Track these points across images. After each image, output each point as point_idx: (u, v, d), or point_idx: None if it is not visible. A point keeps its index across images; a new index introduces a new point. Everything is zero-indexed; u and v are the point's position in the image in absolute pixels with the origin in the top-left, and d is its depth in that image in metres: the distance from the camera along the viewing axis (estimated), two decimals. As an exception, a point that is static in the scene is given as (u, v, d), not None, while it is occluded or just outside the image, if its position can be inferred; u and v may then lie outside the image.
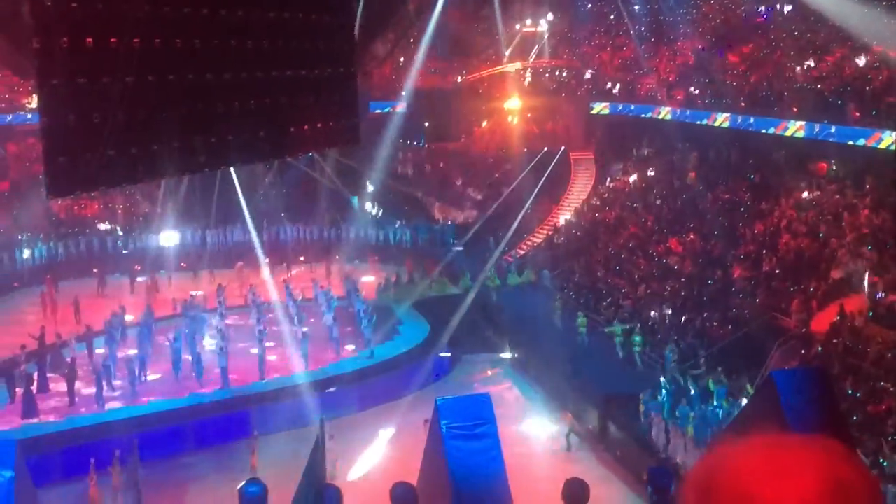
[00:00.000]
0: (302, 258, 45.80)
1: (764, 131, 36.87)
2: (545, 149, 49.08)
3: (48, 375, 29.90)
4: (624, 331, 31.76)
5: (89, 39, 13.75)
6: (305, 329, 32.34)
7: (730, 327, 29.50)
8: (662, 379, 26.58)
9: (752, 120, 37.85)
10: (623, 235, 40.63)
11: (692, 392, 25.30)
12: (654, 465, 18.46)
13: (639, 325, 31.62)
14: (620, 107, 47.26)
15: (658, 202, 41.89)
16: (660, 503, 6.60)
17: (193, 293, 37.96)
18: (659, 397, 25.68)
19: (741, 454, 1.57)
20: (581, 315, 33.34)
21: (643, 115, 45.40)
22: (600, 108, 48.11)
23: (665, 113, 43.71)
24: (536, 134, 50.27)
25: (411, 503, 6.21)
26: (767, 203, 35.29)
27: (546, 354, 32.01)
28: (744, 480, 1.52)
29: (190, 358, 30.57)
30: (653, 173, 44.55)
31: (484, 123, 53.23)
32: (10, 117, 48.65)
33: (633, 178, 45.61)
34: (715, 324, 30.22)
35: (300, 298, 37.79)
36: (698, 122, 41.07)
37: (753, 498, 1.49)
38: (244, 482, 6.01)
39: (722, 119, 39.42)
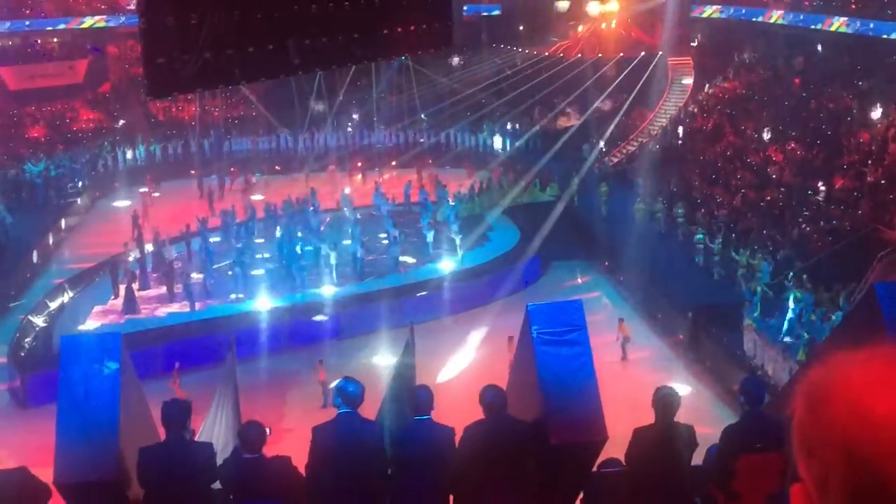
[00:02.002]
0: (394, 163, 45.89)
1: (885, 36, 34.89)
2: (642, 54, 47.93)
3: (150, 273, 31.00)
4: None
5: (186, -61, 13.73)
6: (397, 233, 32.58)
7: (829, 239, 28.73)
8: (757, 290, 26.15)
9: (871, 25, 35.86)
10: (721, 144, 39.63)
11: (787, 304, 24.86)
12: (746, 375, 18.29)
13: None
14: (732, 10, 45.35)
15: (759, 110, 40.61)
16: (752, 414, 6.54)
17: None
18: (752, 309, 25.32)
19: (857, 365, 1.51)
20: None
21: (754, 19, 43.54)
22: (711, 11, 46.32)
23: (777, 17, 41.83)
24: (633, 38, 49.00)
25: (501, 406, 6.27)
26: (875, 112, 33.92)
27: (636, 262, 31.71)
28: (860, 392, 1.46)
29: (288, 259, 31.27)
30: (754, 79, 43.11)
31: (580, 28, 51.98)
32: (124, 18, 49.09)
33: (733, 84, 44.22)
34: (814, 235, 29.48)
35: (392, 203, 37.97)
36: (812, 27, 39.20)
37: (869, 410, 1.43)
38: (341, 379, 6.12)
39: (838, 23, 37.42)
